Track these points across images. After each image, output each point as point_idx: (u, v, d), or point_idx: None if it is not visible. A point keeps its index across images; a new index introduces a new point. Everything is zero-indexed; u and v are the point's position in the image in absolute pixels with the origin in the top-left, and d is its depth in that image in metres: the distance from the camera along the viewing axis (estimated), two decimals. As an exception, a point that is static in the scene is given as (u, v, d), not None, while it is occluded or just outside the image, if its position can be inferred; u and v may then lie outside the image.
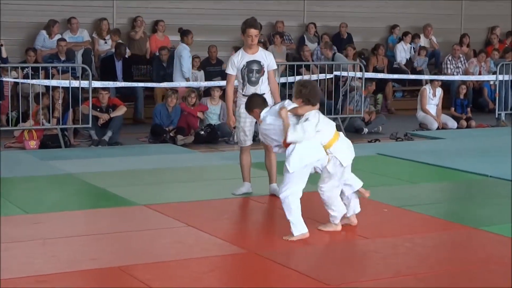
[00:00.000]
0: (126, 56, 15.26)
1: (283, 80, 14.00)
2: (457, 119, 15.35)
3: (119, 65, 15.20)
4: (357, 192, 7.26)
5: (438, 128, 14.86)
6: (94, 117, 12.56)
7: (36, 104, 12.57)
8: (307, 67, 15.08)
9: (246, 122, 8.43)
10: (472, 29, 19.66)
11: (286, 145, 6.83)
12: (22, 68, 13.22)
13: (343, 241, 6.85)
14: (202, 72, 15.40)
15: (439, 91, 15.24)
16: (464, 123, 15.32)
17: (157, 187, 9.25)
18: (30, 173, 9.85)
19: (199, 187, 9.24)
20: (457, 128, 15.11)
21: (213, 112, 13.61)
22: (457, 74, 17.49)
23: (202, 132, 13.10)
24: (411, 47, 18.59)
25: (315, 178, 7.06)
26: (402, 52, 18.44)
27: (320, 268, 6.12)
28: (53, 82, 12.78)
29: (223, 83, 14.57)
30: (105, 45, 15.98)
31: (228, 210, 8.00)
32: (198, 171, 10.35)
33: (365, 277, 5.84)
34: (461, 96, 15.75)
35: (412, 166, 10.81)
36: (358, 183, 7.25)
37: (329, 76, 14.83)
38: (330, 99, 14.67)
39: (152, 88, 15.09)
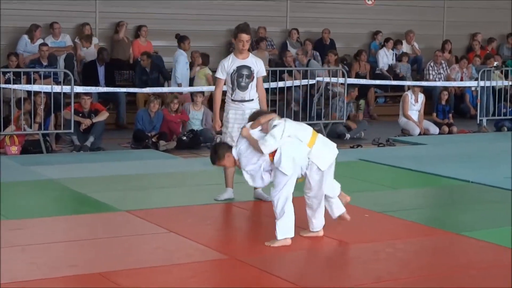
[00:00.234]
0: (104, 56, 15.21)
1: (265, 85, 13.97)
2: (439, 125, 15.41)
3: (101, 70, 15.18)
4: (339, 197, 7.26)
5: (420, 134, 14.91)
6: (76, 122, 12.52)
7: (18, 109, 12.51)
8: (290, 73, 15.10)
9: (234, 127, 8.42)
10: (454, 36, 19.77)
11: (271, 155, 6.81)
12: (4, 73, 13.17)
13: (324, 247, 6.85)
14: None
15: (421, 97, 15.30)
16: (446, 129, 15.38)
17: (139, 193, 9.22)
18: (11, 179, 9.78)
19: (181, 193, 9.22)
20: (439, 134, 15.17)
21: (196, 118, 13.59)
22: (439, 80, 17.58)
23: (185, 138, 13.10)
24: (393, 53, 18.66)
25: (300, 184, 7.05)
26: (385, 58, 18.50)
27: (301, 273, 6.13)
28: (35, 87, 12.73)
29: (206, 88, 14.60)
30: (88, 50, 15.93)
31: (211, 216, 7.99)
32: (180, 177, 10.33)
33: (346, 283, 5.84)
34: (443, 102, 15.82)
35: (394, 172, 10.83)
36: (338, 188, 7.24)
37: (311, 81, 14.85)
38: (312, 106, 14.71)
39: (134, 94, 15.07)
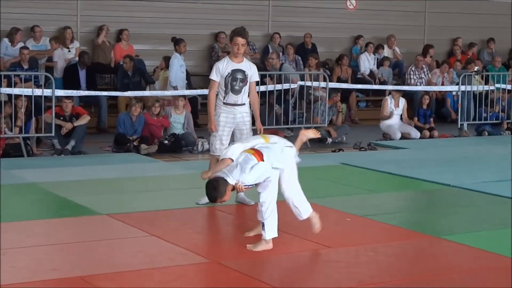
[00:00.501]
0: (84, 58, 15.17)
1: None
2: (420, 129, 15.46)
3: (82, 74, 15.14)
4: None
5: (401, 138, 14.96)
6: (57, 126, 12.47)
7: (-2, 112, 12.47)
8: (271, 77, 15.12)
9: (225, 131, 8.42)
10: (435, 40, 19.85)
11: (259, 158, 6.81)
12: (-16, 77, 13.10)
13: (305, 251, 6.86)
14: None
15: (402, 102, 15.35)
16: (427, 133, 15.44)
17: (120, 197, 9.20)
18: (-9, 182, 9.74)
19: (162, 197, 9.21)
20: (420, 138, 15.22)
21: (177, 121, 13.57)
22: (420, 85, 17.65)
23: (166, 142, 13.08)
24: (375, 57, 18.72)
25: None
26: (366, 62, 18.55)
27: (283, 277, 6.13)
28: (15, 91, 12.67)
29: (187, 92, 14.59)
30: (69, 54, 15.89)
31: (192, 219, 7.98)
32: (161, 181, 10.31)
33: (328, 286, 5.85)
34: (424, 106, 15.88)
35: (375, 176, 10.86)
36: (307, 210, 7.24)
37: (293, 86, 14.87)
38: (294, 109, 14.72)
39: (115, 97, 15.03)
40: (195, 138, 13.49)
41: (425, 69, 18.15)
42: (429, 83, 17.87)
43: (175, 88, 14.48)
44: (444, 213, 8.55)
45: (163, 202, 8.80)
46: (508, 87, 16.74)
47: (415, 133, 15.25)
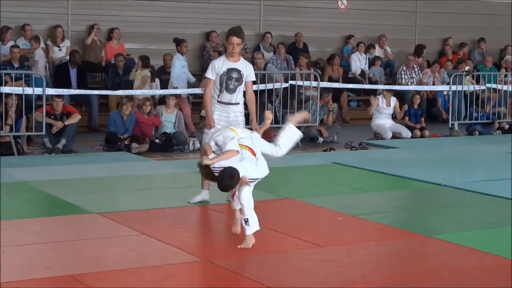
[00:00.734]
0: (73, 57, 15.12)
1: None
2: (411, 128, 15.47)
3: (73, 72, 15.11)
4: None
5: (392, 138, 14.98)
6: (48, 124, 12.44)
7: (-11, 111, 12.43)
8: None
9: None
10: (426, 40, 19.89)
11: (253, 153, 6.87)
12: (-25, 75, 13.05)
13: (297, 250, 6.85)
14: (157, 80, 15.35)
15: (393, 101, 15.37)
16: (418, 132, 15.45)
17: (111, 195, 9.18)
18: (-18, 181, 9.71)
19: (153, 196, 9.20)
20: (411, 137, 15.23)
21: (168, 120, 13.55)
22: (411, 84, 17.67)
23: (157, 141, 13.06)
24: (366, 57, 18.73)
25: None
26: (357, 62, 18.57)
27: (274, 276, 6.12)
28: (6, 89, 12.62)
29: (179, 91, 14.57)
30: (60, 53, 15.86)
31: (184, 218, 7.97)
32: (152, 180, 10.29)
33: (319, 285, 5.84)
34: (415, 106, 15.89)
35: (366, 175, 10.87)
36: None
37: (284, 85, 14.86)
38: (285, 108, 14.71)
39: (106, 96, 15.01)
40: (186, 137, 13.49)
41: (416, 69, 18.17)
42: (420, 82, 17.90)
43: (175, 88, 14.46)
44: (435, 212, 8.56)
45: (154, 201, 8.79)
46: (499, 87, 16.76)
47: (406, 133, 15.26)
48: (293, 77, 14.98)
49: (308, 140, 14.19)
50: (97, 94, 14.70)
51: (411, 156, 12.57)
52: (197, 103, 14.94)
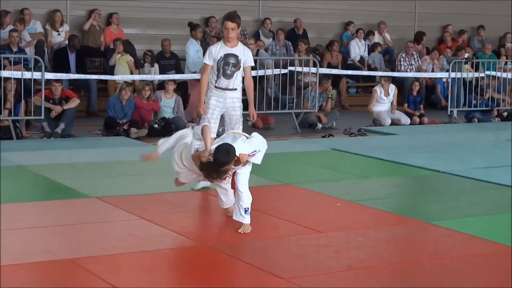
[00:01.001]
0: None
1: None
2: (410, 115, 15.47)
3: (72, 57, 15.08)
4: None
5: (391, 124, 14.97)
6: (47, 109, 12.43)
7: (-13, 95, 12.41)
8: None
9: (214, 114, 8.37)
10: (425, 27, 19.86)
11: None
12: (-27, 59, 13.02)
13: (296, 235, 6.86)
14: (156, 65, 15.34)
15: (392, 89, 15.35)
16: (417, 119, 15.45)
17: (110, 180, 9.18)
18: (-20, 165, 9.70)
19: (152, 180, 9.19)
20: (410, 124, 15.24)
21: (167, 106, 13.55)
22: (410, 71, 17.65)
23: (156, 126, 13.05)
24: (365, 43, 18.71)
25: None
26: (356, 48, 18.55)
27: (273, 261, 6.13)
28: (5, 73, 12.60)
29: (177, 76, 14.56)
30: (59, 37, 15.82)
31: (183, 203, 7.97)
32: (151, 164, 10.21)
33: (317, 271, 5.85)
34: (414, 93, 15.88)
35: (365, 161, 10.87)
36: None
37: (283, 71, 14.83)
38: (284, 94, 14.71)
39: (105, 81, 14.99)
40: (185, 122, 13.47)
41: (415, 56, 18.16)
42: (419, 69, 17.88)
43: (194, 73, 14.40)
44: (433, 199, 8.57)
45: (153, 186, 8.80)
46: (498, 74, 16.75)
47: (405, 119, 15.26)
48: (292, 63, 14.95)
49: (307, 126, 14.21)
50: (96, 79, 14.68)
51: (410, 143, 12.57)
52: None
